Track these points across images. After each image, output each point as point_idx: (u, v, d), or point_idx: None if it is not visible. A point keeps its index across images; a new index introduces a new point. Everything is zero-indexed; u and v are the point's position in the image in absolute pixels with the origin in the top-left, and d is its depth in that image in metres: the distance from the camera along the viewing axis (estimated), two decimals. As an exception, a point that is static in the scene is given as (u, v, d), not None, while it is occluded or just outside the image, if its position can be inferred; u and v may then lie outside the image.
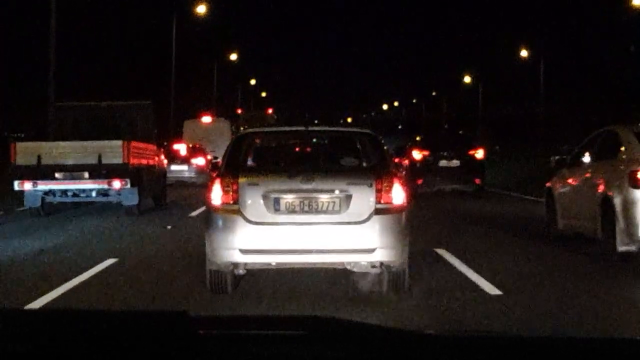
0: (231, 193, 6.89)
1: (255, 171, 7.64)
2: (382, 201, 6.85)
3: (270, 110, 73.60)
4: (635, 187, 8.50)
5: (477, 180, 20.14)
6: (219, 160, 22.37)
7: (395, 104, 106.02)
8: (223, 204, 6.90)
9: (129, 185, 14.99)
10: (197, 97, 45.41)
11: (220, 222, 6.92)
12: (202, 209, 15.33)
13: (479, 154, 20.86)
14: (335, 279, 7.73)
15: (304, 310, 6.51)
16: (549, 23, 50.43)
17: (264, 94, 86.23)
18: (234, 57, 53.38)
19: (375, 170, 7.19)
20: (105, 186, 15.06)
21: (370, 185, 6.87)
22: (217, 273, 7.06)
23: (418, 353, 1.96)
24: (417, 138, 24.81)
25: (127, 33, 42.61)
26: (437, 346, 2.02)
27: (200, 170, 25.13)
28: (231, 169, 7.21)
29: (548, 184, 11.58)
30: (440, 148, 20.89)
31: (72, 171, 14.98)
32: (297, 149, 9.87)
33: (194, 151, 25.80)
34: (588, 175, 9.99)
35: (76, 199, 15.72)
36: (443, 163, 20.36)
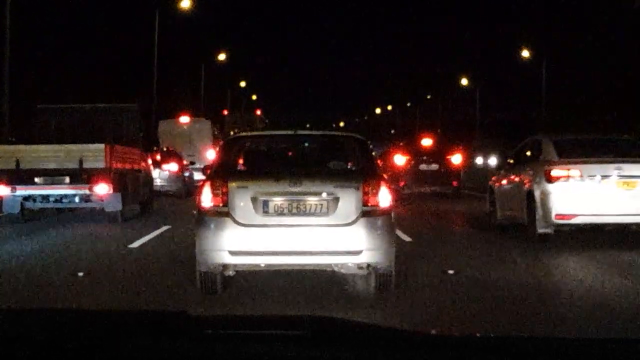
0: (221, 196, 7.31)
1: (245, 174, 8.05)
2: (368, 204, 7.28)
3: (258, 112, 73.75)
4: (549, 182, 11.14)
5: (455, 183, 22.80)
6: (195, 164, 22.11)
7: (389, 107, 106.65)
8: (213, 206, 7.33)
9: (111, 191, 14.79)
10: (183, 98, 45.31)
11: (210, 224, 7.33)
12: (153, 234, 13.10)
13: (457, 158, 23.37)
14: (323, 279, 8.27)
15: (290, 309, 6.97)
16: (551, 22, 50.83)
17: (254, 97, 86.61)
18: (222, 57, 53.26)
19: (362, 174, 7.66)
20: (87, 191, 14.89)
21: (357, 188, 7.30)
22: (207, 274, 7.48)
23: (418, 353, 2.05)
24: (400, 143, 26.99)
25: (110, 30, 42.75)
26: (437, 346, 2.11)
27: (173, 178, 23.41)
28: (221, 172, 7.69)
29: (490, 183, 14.41)
30: (420, 153, 23.43)
31: (52, 176, 14.84)
32: (286, 153, 10.33)
33: (166, 155, 23.43)
34: (518, 174, 12.66)
35: (58, 205, 15.51)
36: (423, 167, 22.89)
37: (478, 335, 2.46)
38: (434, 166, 23.02)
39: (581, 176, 11.05)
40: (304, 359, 2.01)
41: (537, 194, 11.35)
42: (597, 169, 11.10)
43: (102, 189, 14.76)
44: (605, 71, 45.24)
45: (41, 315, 2.58)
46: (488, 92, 62.12)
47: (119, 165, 15.46)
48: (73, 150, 14.91)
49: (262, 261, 7.49)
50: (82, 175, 14.82)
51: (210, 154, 28.00)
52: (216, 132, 31.40)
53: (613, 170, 11.08)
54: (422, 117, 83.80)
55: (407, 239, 11.87)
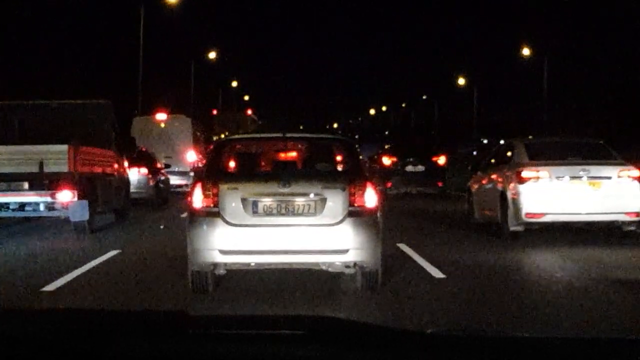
0: (212, 197, 7.77)
1: (235, 176, 8.52)
2: (355, 204, 7.72)
3: (249, 112, 74.10)
4: (520, 183, 12.17)
5: (440, 183, 24.45)
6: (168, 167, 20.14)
7: (384, 108, 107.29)
8: (204, 207, 7.78)
9: (76, 198, 13.49)
10: (172, 96, 45.28)
11: (201, 225, 7.78)
12: (91, 265, 10.02)
13: (441, 160, 25.00)
14: (312, 278, 8.69)
15: (278, 308, 7.30)
16: (552, 20, 51.04)
17: (247, 98, 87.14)
18: (214, 56, 53.13)
19: (349, 175, 8.15)
20: (49, 199, 13.60)
21: (344, 189, 7.74)
22: (198, 273, 7.92)
23: (418, 353, 2.09)
24: (387, 146, 28.98)
25: (94, 24, 42.63)
26: (437, 346, 2.14)
27: (144, 183, 20.61)
28: (212, 174, 8.15)
29: (468, 184, 15.52)
30: (406, 154, 24.95)
31: (9, 181, 13.61)
32: (275, 155, 10.88)
33: (138, 157, 20.66)
34: (493, 176, 13.74)
35: (20, 214, 14.09)
36: (409, 168, 24.49)
37: (478, 335, 2.49)
38: (420, 167, 24.55)
39: (550, 177, 12.06)
40: (303, 359, 2.07)
41: (509, 194, 12.42)
42: (564, 170, 12.11)
43: (66, 196, 13.50)
44: (607, 70, 45.60)
45: (41, 315, 2.64)
46: (486, 93, 62.61)
47: (87, 169, 14.28)
48: (32, 153, 13.68)
49: (251, 260, 7.91)
50: (42, 181, 13.56)
51: (191, 156, 26.82)
52: (198, 133, 29.35)
53: (580, 171, 12.06)
54: (417, 117, 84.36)
55: (437, 273, 9.28)
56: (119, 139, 16.99)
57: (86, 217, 13.66)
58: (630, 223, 12.16)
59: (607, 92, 46.32)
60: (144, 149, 22.00)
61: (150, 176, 20.90)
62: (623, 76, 44.29)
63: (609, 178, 12.05)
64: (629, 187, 12.03)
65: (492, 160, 14.33)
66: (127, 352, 2.06)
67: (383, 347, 2.09)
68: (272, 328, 2.31)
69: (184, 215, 15.06)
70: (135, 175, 19.90)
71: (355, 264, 7.93)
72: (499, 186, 13.03)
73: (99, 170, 15.11)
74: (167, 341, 2.12)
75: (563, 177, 12.04)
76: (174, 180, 24.75)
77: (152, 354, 2.05)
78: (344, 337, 2.17)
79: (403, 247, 11.56)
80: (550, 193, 11.99)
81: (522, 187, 12.11)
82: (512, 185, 12.37)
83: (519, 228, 12.27)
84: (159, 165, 22.32)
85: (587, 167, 12.11)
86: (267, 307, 7.37)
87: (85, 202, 13.61)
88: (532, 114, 51.45)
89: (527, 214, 12.03)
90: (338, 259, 7.85)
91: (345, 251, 7.73)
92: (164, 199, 21.83)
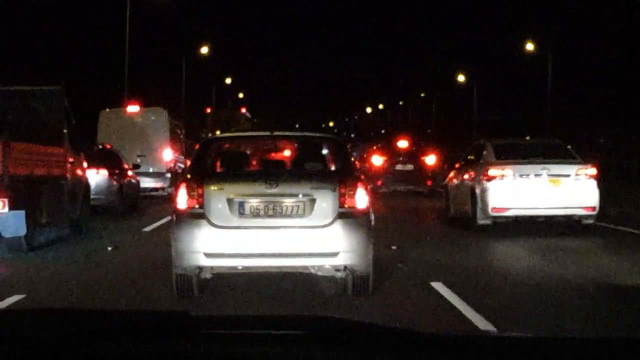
0: (196, 197, 7.67)
1: (221, 176, 8.45)
2: (345, 205, 7.66)
3: (243, 110, 74.13)
4: (487, 180, 13.78)
5: (429, 182, 25.55)
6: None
7: (380, 106, 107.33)
8: (188, 208, 7.68)
9: (6, 209, 11.13)
10: (164, 95, 45.01)
11: (185, 226, 7.68)
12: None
13: (431, 159, 26.21)
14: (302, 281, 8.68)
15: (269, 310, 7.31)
16: (558, 12, 50.75)
17: (241, 95, 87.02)
18: (208, 52, 52.78)
19: (339, 175, 8.08)
20: None
21: (334, 190, 7.69)
22: (182, 277, 7.84)
23: (418, 353, 2.12)
24: (378, 144, 29.93)
25: (77, 15, 42.24)
26: (437, 346, 2.18)
27: (104, 186, 17.85)
28: (196, 173, 8.10)
29: (445, 181, 17.20)
30: (396, 154, 26.24)
31: None
32: (264, 154, 10.77)
33: (100, 156, 18.24)
34: (465, 173, 15.39)
35: None
36: (399, 167, 25.77)
37: (478, 335, 2.59)
38: (409, 166, 25.84)
39: (514, 175, 13.67)
40: (303, 359, 2.10)
41: (477, 190, 14.06)
42: (527, 168, 13.72)
43: None
44: (613, 68, 45.44)
45: (41, 315, 2.67)
46: (487, 90, 62.49)
47: (24, 171, 11.84)
48: None
49: (238, 263, 7.84)
50: None
51: (167, 155, 24.66)
52: (178, 130, 26.95)
53: (541, 170, 13.65)
54: (415, 116, 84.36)
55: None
56: (73, 134, 14.45)
57: (22, 231, 11.33)
58: (588, 217, 13.68)
59: (612, 89, 46.18)
60: (108, 147, 19.85)
61: (111, 178, 18.19)
62: (627, 74, 44.14)
63: (568, 176, 13.62)
64: (586, 184, 13.61)
65: (469, 157, 15.85)
66: (127, 352, 2.09)
67: (383, 347, 2.11)
68: (272, 328, 2.32)
69: (148, 228, 14.65)
70: (93, 177, 16.97)
71: (345, 268, 7.89)
72: (470, 183, 14.65)
73: (42, 172, 12.59)
74: (167, 341, 2.14)
75: (525, 175, 13.64)
76: (147, 182, 22.73)
77: (152, 354, 2.08)
78: (344, 337, 2.20)
79: (441, 289, 8.43)
80: (514, 189, 13.62)
81: (489, 184, 13.73)
82: (480, 182, 13.99)
83: (487, 222, 13.89)
84: (125, 166, 19.80)
85: (547, 166, 13.70)
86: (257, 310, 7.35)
87: (20, 213, 11.26)
88: (534, 113, 51.30)
89: (493, 208, 13.64)
90: (328, 262, 7.83)
91: (335, 254, 7.68)
92: (130, 205, 19.25)
